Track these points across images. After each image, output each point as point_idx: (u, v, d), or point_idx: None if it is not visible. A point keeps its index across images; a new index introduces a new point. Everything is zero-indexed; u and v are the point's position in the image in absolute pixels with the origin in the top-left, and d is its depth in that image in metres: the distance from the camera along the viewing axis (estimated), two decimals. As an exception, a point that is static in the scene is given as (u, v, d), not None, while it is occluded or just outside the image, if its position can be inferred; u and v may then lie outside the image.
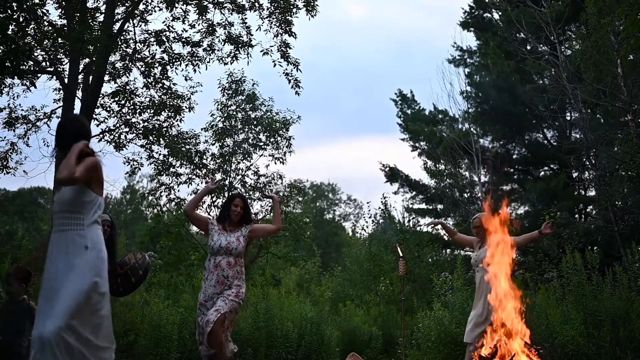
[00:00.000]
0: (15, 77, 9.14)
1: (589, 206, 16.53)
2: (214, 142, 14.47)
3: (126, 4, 10.93)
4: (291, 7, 10.99)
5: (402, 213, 19.96)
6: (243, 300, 4.45)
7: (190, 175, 13.32)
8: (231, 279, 4.41)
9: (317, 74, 59.36)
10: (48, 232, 7.71)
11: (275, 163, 14.70)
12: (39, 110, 10.85)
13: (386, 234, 17.17)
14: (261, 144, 14.81)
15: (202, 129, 14.12)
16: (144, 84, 11.31)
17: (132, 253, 5.03)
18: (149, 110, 11.37)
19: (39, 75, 10.13)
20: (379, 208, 17.16)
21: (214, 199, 13.62)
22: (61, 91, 10.48)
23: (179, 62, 11.36)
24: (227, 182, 13.93)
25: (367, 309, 12.50)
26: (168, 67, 11.30)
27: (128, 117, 11.27)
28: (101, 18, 10.64)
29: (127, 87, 11.21)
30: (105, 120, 11.19)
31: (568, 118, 16.36)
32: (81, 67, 10.22)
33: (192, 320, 7.50)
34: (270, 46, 11.18)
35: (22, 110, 10.72)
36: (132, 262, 4.85)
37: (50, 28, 9.74)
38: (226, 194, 13.31)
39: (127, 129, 11.23)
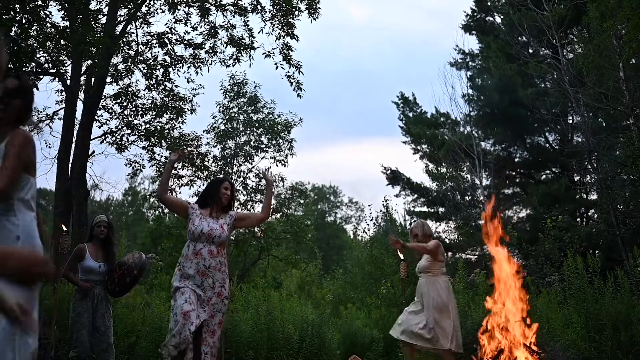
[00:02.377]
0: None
1: (591, 210, 16.49)
2: (215, 144, 14.53)
3: (128, 6, 10.96)
4: (293, 9, 11.02)
5: (403, 216, 19.97)
6: (227, 297, 4.14)
7: (191, 177, 13.35)
8: (213, 271, 4.06)
9: (318, 76, 59.56)
10: (49, 234, 7.71)
11: (277, 165, 14.76)
12: (41, 112, 10.90)
13: (388, 236, 17.13)
14: (263, 146, 14.86)
15: (204, 131, 14.18)
16: (146, 86, 11.35)
17: (131, 253, 5.04)
18: (150, 112, 11.40)
19: (41, 76, 10.16)
20: (381, 211, 17.15)
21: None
22: (63, 93, 10.51)
23: (181, 64, 11.40)
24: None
25: (368, 312, 12.46)
26: (170, 69, 11.34)
27: (130, 118, 11.30)
28: (103, 20, 10.67)
29: (129, 89, 11.24)
30: (107, 122, 11.25)
31: (570, 121, 16.35)
32: (83, 68, 10.25)
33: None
34: (273, 48, 11.23)
35: (24, 111, 10.75)
36: (130, 261, 4.87)
37: (52, 30, 9.77)
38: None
39: (129, 131, 11.27)
